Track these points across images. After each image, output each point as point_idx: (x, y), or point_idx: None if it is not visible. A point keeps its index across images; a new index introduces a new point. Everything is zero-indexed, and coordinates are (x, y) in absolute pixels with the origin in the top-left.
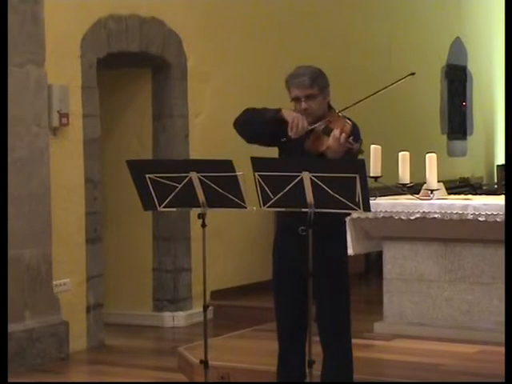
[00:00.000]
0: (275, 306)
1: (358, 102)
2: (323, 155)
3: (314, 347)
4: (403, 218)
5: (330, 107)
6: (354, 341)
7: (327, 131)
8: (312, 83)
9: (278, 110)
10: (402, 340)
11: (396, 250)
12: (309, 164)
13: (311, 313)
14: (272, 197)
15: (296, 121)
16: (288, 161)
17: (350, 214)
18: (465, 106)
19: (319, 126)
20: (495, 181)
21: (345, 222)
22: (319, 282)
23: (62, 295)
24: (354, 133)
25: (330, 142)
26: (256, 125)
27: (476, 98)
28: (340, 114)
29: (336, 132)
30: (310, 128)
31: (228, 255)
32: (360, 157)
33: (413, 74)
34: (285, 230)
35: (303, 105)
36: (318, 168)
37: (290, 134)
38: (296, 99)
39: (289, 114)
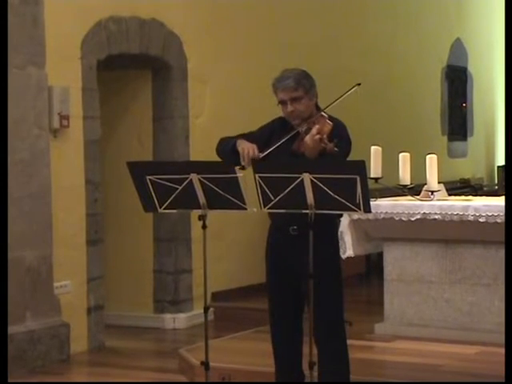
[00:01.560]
0: (269, 307)
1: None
2: (304, 155)
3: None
4: (404, 219)
5: (318, 108)
6: (355, 342)
7: (308, 132)
8: (297, 86)
9: (235, 142)
10: (402, 341)
11: (396, 251)
12: (309, 165)
13: (310, 313)
14: (272, 198)
15: (246, 151)
16: (288, 162)
17: (342, 215)
18: (465, 107)
19: (302, 127)
20: (496, 182)
21: (337, 222)
22: (313, 282)
23: (63, 297)
24: (338, 133)
25: (306, 140)
26: (225, 155)
27: (476, 99)
28: (324, 114)
29: (313, 131)
30: (261, 156)
31: (229, 257)
32: (360, 158)
33: (358, 84)
34: (277, 230)
35: (289, 107)
36: (319, 169)
37: (242, 163)
38: (282, 102)
39: (240, 145)
